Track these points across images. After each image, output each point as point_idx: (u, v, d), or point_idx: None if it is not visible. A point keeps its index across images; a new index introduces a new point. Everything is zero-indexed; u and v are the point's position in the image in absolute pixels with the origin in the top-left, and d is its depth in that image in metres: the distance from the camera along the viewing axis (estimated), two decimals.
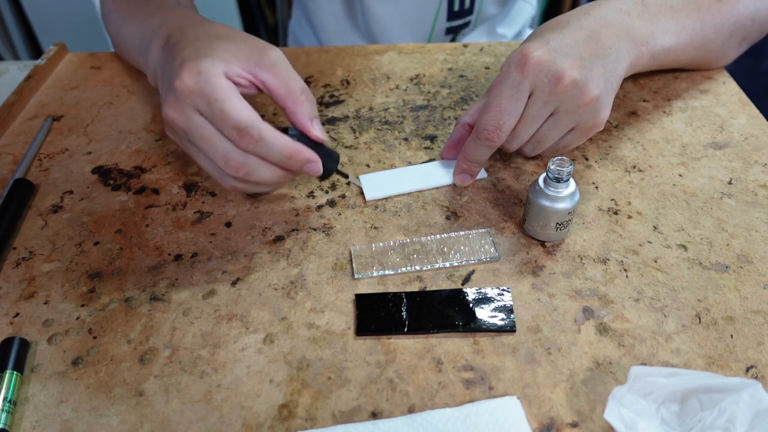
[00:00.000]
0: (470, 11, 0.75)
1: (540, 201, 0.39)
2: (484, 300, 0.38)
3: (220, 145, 0.38)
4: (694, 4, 0.49)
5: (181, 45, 0.41)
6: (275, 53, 0.41)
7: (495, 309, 0.37)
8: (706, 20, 0.50)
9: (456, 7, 0.73)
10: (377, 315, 0.37)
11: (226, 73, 0.39)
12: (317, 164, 0.39)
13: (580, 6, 0.46)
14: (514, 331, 0.36)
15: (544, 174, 0.38)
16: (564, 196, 0.38)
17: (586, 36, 0.42)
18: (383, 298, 0.38)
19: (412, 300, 0.38)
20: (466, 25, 0.76)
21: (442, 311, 0.37)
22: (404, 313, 0.37)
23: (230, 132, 0.37)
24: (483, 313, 0.37)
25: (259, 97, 0.56)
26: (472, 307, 0.37)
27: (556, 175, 0.37)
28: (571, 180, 0.38)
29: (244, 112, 0.37)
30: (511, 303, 0.37)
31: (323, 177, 0.42)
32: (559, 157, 0.38)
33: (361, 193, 0.46)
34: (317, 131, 0.40)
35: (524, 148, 0.46)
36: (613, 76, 0.42)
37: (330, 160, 0.42)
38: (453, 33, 0.76)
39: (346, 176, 0.45)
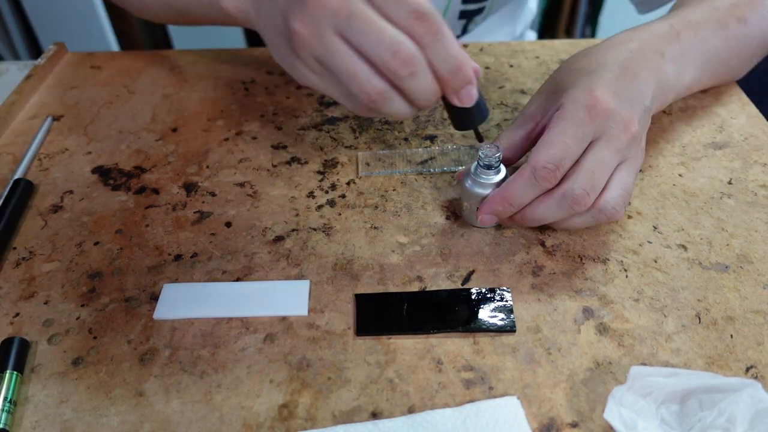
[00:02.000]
0: None
1: (472, 188, 0.40)
2: (484, 300, 0.38)
3: (390, 33, 0.32)
4: (722, 30, 0.48)
5: None
6: None
7: (495, 309, 0.37)
8: (731, 47, 0.49)
9: None
10: (377, 315, 0.37)
11: None
12: (474, 91, 0.36)
13: (616, 36, 0.44)
14: (514, 331, 0.36)
15: (476, 162, 0.40)
16: (494, 183, 0.40)
17: (631, 78, 0.40)
18: (383, 298, 0.38)
19: (412, 300, 0.38)
20: (480, 11, 0.75)
21: (442, 311, 0.37)
22: (404, 313, 0.37)
23: (406, 17, 0.32)
24: (483, 313, 0.37)
25: (259, 96, 0.56)
26: (472, 307, 0.37)
27: (487, 162, 0.39)
28: (502, 167, 0.40)
29: None
30: (511, 303, 0.38)
31: (462, 126, 0.38)
32: (488, 144, 0.39)
33: (358, 185, 0.46)
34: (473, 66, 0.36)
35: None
36: (646, 119, 0.41)
37: (479, 112, 0.38)
38: (466, 18, 0.75)
39: (481, 139, 0.41)
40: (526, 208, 0.39)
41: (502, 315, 0.37)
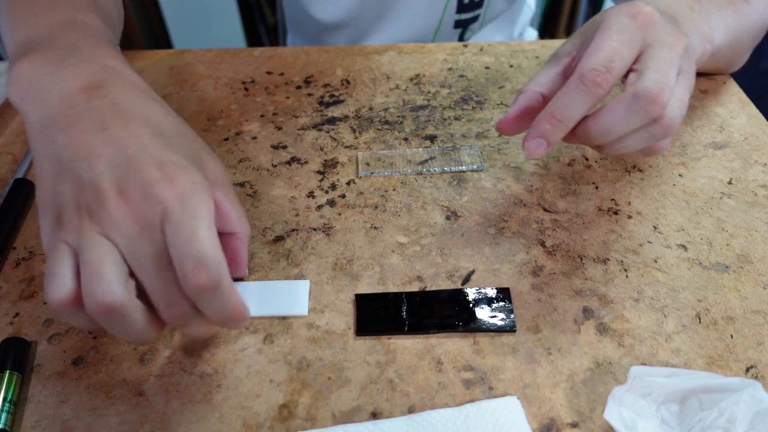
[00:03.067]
0: (480, 4, 0.74)
1: None
2: (484, 300, 0.38)
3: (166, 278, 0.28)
4: (732, 4, 0.49)
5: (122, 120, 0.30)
6: (218, 163, 0.33)
7: (495, 309, 0.37)
8: (742, 22, 0.49)
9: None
10: (377, 315, 0.37)
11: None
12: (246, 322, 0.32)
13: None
14: (514, 331, 0.36)
15: None
16: None
17: (670, 17, 0.38)
18: (383, 298, 0.38)
19: (412, 300, 0.38)
20: (475, 19, 0.75)
21: (442, 311, 0.37)
22: (404, 313, 0.37)
23: (186, 263, 0.27)
24: (483, 313, 0.37)
25: (259, 96, 0.56)
26: (472, 307, 0.37)
27: None
28: None
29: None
30: (511, 303, 0.37)
31: None
32: None
33: (361, 192, 0.46)
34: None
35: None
36: (691, 54, 0.38)
37: None
38: (462, 27, 0.75)
39: None
40: (589, 121, 0.34)
41: (502, 315, 0.37)
